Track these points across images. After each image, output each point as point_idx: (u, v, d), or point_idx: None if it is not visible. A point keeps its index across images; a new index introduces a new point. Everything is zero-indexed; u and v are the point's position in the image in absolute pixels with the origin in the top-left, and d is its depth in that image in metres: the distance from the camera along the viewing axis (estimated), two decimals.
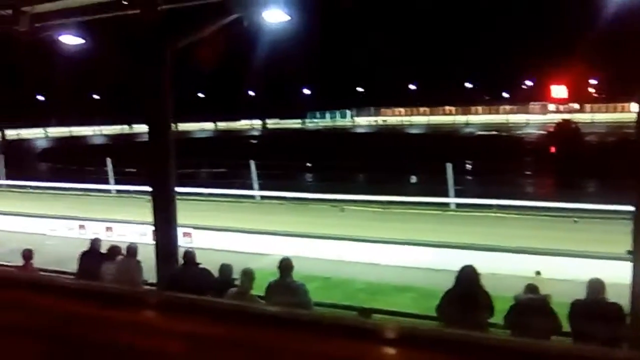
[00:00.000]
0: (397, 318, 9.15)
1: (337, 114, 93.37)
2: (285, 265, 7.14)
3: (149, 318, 0.73)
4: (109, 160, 27.09)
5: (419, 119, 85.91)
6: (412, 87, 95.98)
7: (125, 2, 11.21)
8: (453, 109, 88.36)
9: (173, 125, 9.76)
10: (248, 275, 7.15)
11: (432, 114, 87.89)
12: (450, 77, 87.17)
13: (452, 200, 20.87)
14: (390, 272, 14.06)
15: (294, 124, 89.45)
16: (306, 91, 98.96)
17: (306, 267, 11.27)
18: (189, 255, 8.41)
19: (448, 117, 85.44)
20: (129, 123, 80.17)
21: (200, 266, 8.31)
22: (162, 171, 9.24)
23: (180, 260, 8.70)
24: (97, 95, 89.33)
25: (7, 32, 12.75)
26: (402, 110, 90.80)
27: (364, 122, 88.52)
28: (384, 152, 37.30)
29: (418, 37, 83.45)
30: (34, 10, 12.26)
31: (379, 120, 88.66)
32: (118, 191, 26.41)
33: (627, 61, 8.24)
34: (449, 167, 21.01)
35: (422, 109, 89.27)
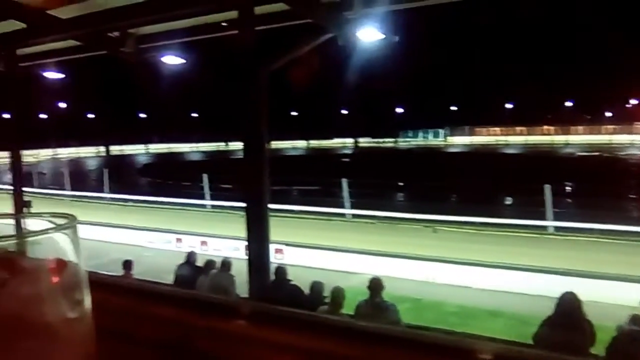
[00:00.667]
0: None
1: (430, 133, 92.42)
2: (376, 285, 7.05)
3: (249, 328, 0.71)
4: (205, 177, 27.94)
5: (516, 139, 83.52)
6: (508, 106, 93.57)
7: (224, 24, 11.60)
8: (552, 128, 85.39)
9: (267, 143, 9.93)
10: (338, 293, 7.12)
11: (529, 133, 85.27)
12: (549, 95, 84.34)
13: (550, 223, 20.04)
14: (483, 295, 13.64)
15: (386, 142, 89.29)
16: (399, 110, 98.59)
17: (396, 287, 11.13)
18: (281, 271, 8.49)
19: (546, 137, 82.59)
20: (225, 140, 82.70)
21: (291, 283, 8.37)
22: (256, 188, 9.40)
23: (272, 276, 8.79)
24: (196, 113, 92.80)
25: (115, 54, 13.50)
26: (497, 129, 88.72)
27: (457, 141, 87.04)
28: (478, 172, 36.46)
29: (515, 55, 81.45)
30: (139, 32, 12.92)
31: (474, 139, 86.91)
32: (213, 206, 27.14)
33: None
34: (547, 188, 20.21)
35: (518, 129, 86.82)
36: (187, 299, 0.74)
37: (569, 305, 6.37)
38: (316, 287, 8.07)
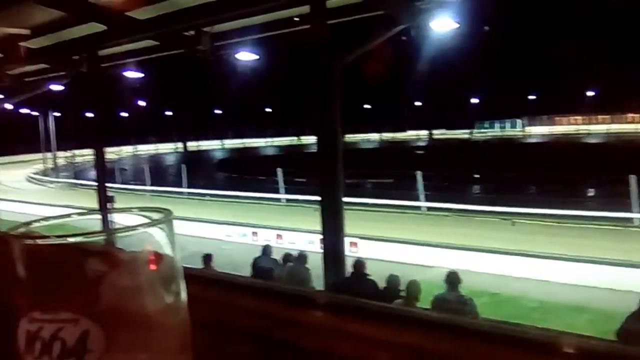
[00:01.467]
0: None
1: (507, 123, 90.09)
2: (453, 279, 6.95)
3: (330, 320, 0.71)
4: (279, 171, 28.27)
5: (598, 128, 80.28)
6: (590, 93, 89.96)
7: (297, 19, 11.69)
8: (637, 116, 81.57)
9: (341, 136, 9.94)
10: (414, 287, 7.07)
11: (612, 122, 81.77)
12: (634, 82, 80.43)
13: (636, 215, 19.17)
14: (564, 290, 13.20)
15: (461, 134, 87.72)
16: (474, 100, 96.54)
17: (473, 281, 10.93)
18: (359, 264, 8.49)
19: (631, 125, 78.98)
20: (298, 135, 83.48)
21: (369, 277, 8.36)
22: (330, 181, 9.45)
23: (348, 269, 8.82)
24: (269, 108, 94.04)
25: (190, 52, 13.86)
26: (578, 118, 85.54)
27: (536, 131, 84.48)
28: (558, 163, 35.26)
29: (596, 40, 78.08)
30: (213, 30, 13.20)
31: (553, 129, 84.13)
32: (288, 200, 27.44)
33: None
34: (633, 179, 19.33)
35: (601, 117, 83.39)
36: (275, 291, 0.75)
37: None
38: (392, 280, 8.03)
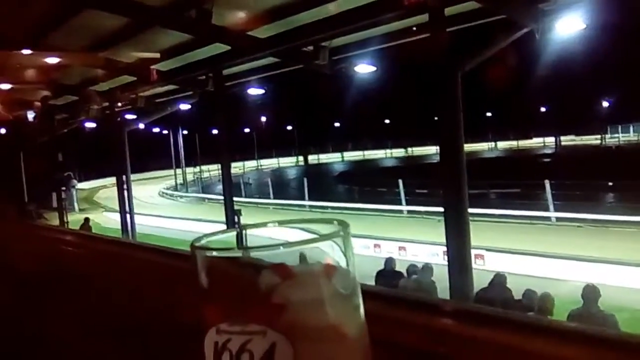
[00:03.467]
0: None
1: None
2: (591, 293, 6.55)
3: (490, 336, 0.69)
4: (400, 182, 28.12)
5: None
6: None
7: (415, 28, 11.62)
8: None
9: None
10: (547, 300, 6.75)
11: None
12: None
13: None
14: None
15: (592, 139, 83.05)
16: (605, 103, 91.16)
17: (611, 296, 10.25)
18: (498, 278, 8.32)
19: None
20: (413, 145, 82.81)
21: (507, 290, 8.15)
22: (454, 192, 9.27)
23: (481, 282, 8.63)
24: (388, 119, 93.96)
25: (309, 67, 14.18)
26: None
27: None
28: None
29: None
30: (331, 45, 13.43)
31: None
32: (409, 211, 27.20)
33: None
34: None
35: None
36: (441, 307, 0.73)
37: None
38: (529, 295, 7.73)
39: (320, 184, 41.04)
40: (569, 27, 10.15)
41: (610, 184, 29.21)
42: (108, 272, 1.54)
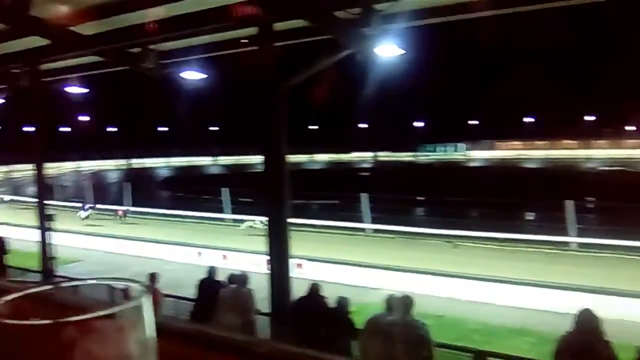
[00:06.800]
0: None
1: (450, 147, 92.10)
2: (406, 302, 6.98)
3: None
4: (224, 190, 28.05)
5: (537, 153, 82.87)
6: (529, 119, 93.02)
7: (245, 40, 11.69)
8: (573, 142, 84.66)
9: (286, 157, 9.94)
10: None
11: (550, 147, 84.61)
12: (570, 109, 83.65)
13: (572, 239, 19.79)
14: (507, 313, 13.48)
15: (405, 156, 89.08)
16: (418, 124, 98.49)
17: (418, 303, 11.02)
18: (315, 288, 8.55)
19: (568, 152, 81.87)
20: (244, 154, 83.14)
21: (323, 299, 8.41)
22: (276, 201, 9.42)
23: (298, 291, 8.82)
24: (215, 127, 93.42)
25: (136, 69, 13.68)
26: (518, 143, 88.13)
27: (478, 155, 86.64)
28: (498, 187, 36.14)
29: (536, 69, 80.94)
30: (159, 48, 13.07)
31: (494, 153, 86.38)
32: (234, 220, 27.21)
33: None
34: (570, 204, 20.00)
35: (539, 143, 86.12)
36: (240, 346, 0.74)
37: (586, 323, 6.21)
38: (342, 302, 8.08)
39: (143, 189, 39.71)
40: (387, 52, 10.79)
41: (421, 198, 31.44)
42: None
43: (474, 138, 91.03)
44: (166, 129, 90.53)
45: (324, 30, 10.23)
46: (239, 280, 9.66)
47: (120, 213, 29.00)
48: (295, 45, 11.09)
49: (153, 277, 10.47)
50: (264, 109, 9.63)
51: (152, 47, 12.89)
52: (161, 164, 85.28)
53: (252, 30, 10.06)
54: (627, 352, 6.55)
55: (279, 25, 9.70)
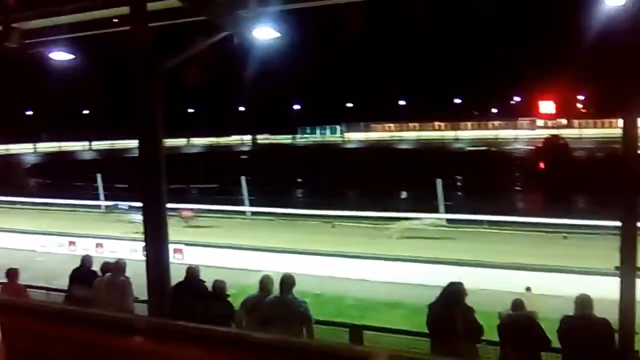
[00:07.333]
0: (389, 335, 9.12)
1: (328, 129, 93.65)
2: (287, 281, 7.11)
3: (140, 344, 0.75)
4: (99, 176, 27.01)
5: (409, 135, 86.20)
6: (401, 102, 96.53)
7: (116, 20, 11.25)
8: (442, 124, 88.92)
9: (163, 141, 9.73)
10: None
11: (421, 129, 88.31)
12: (439, 92, 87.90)
13: (442, 215, 20.87)
14: (382, 288, 14.04)
15: (284, 139, 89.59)
16: (296, 107, 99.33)
17: (298, 282, 11.24)
18: (192, 271, 8.45)
19: (437, 133, 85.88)
20: (120, 138, 79.99)
21: (202, 283, 8.35)
22: (153, 187, 9.20)
23: (177, 277, 8.68)
24: (87, 110, 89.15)
25: None
26: (392, 125, 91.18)
27: (354, 137, 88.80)
28: (374, 167, 37.37)
29: (407, 53, 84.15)
30: (24, 27, 12.28)
31: (369, 135, 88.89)
32: (108, 207, 26.25)
33: (612, 77, 8.38)
34: (439, 183, 21.07)
35: (411, 125, 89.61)
36: (96, 319, 0.78)
37: (451, 293, 6.67)
38: (218, 285, 8.09)
39: (9, 177, 37.29)
40: (264, 35, 10.80)
41: (300, 180, 31.90)
42: None
43: (351, 120, 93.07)
44: (32, 113, 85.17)
45: (198, 11, 10.06)
46: (115, 268, 9.39)
47: None
48: (172, 26, 10.84)
49: (10, 273, 9.57)
50: (138, 91, 9.34)
51: (15, 25, 12.10)
52: (28, 150, 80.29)
53: (124, 10, 9.71)
54: (489, 317, 7.08)
55: (152, 5, 9.43)
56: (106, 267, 9.51)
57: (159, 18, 10.28)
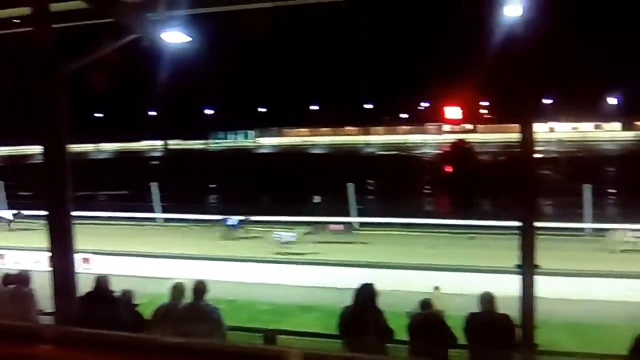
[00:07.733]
0: (302, 338, 9.18)
1: (240, 134, 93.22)
2: (200, 288, 7.04)
3: (46, 353, 0.77)
4: (0, 183, 25.71)
5: (321, 139, 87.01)
6: (314, 107, 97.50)
7: (17, 20, 10.79)
8: (354, 129, 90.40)
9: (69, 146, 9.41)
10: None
11: (333, 134, 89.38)
12: (351, 98, 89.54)
13: (355, 219, 21.18)
14: (295, 292, 14.09)
15: (196, 144, 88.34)
16: (209, 112, 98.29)
17: (211, 289, 11.13)
18: (101, 281, 8.17)
19: (349, 137, 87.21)
20: (23, 143, 76.18)
21: (112, 293, 8.09)
22: (58, 194, 8.88)
23: (85, 287, 8.39)
24: None
25: None
26: (304, 130, 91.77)
27: (266, 142, 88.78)
28: (287, 172, 37.52)
29: (319, 59, 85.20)
30: None
31: (282, 140, 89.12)
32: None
33: (509, 85, 8.83)
34: (351, 187, 21.37)
35: (323, 130, 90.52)
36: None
37: (363, 296, 6.81)
38: (126, 294, 7.90)
39: None
40: (174, 39, 10.64)
41: (213, 185, 31.57)
42: None
43: (264, 125, 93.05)
44: None
45: (104, 13, 9.81)
46: (18, 280, 8.98)
47: None
48: (79, 28, 10.50)
49: None
50: (42, 95, 9.00)
51: None
52: None
53: (25, 10, 9.34)
54: (399, 318, 7.29)
55: (56, 6, 9.12)
56: (8, 279, 9.07)
57: (63, 19, 9.95)
